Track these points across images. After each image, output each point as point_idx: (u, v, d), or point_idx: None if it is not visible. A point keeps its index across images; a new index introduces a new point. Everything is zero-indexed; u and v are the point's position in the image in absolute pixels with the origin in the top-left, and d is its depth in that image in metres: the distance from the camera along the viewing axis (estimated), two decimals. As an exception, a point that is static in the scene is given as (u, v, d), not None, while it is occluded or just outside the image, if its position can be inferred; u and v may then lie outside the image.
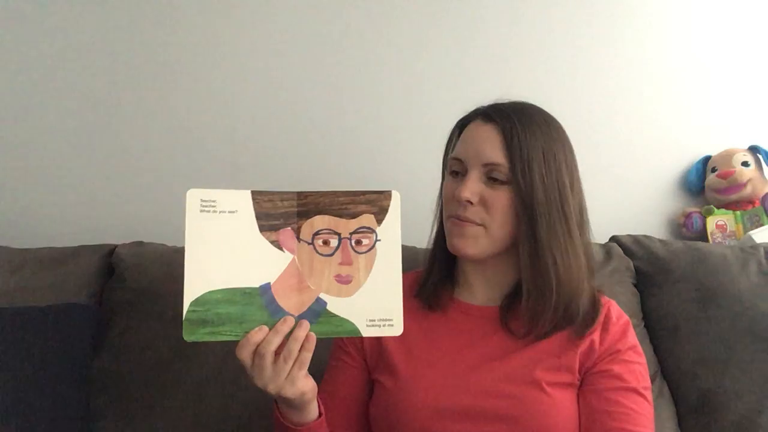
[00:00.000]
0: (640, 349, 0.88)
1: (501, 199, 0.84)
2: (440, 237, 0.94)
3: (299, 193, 0.75)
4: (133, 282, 1.19)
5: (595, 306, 0.88)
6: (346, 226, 0.74)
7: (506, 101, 0.92)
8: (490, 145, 0.86)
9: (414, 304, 0.92)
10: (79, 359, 1.10)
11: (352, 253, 0.74)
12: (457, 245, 0.87)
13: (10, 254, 1.23)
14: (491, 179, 0.85)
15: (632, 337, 0.88)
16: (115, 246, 1.27)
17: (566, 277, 0.84)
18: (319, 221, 0.74)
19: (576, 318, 0.85)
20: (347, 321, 0.73)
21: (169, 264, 1.20)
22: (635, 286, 1.24)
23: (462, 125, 0.94)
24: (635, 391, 0.83)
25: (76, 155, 1.42)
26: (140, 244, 1.27)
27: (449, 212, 0.88)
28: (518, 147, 0.84)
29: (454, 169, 0.90)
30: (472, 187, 0.85)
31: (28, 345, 1.04)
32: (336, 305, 0.73)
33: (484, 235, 0.85)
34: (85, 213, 1.41)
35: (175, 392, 1.09)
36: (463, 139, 0.91)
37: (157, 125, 1.45)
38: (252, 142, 1.46)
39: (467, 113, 0.94)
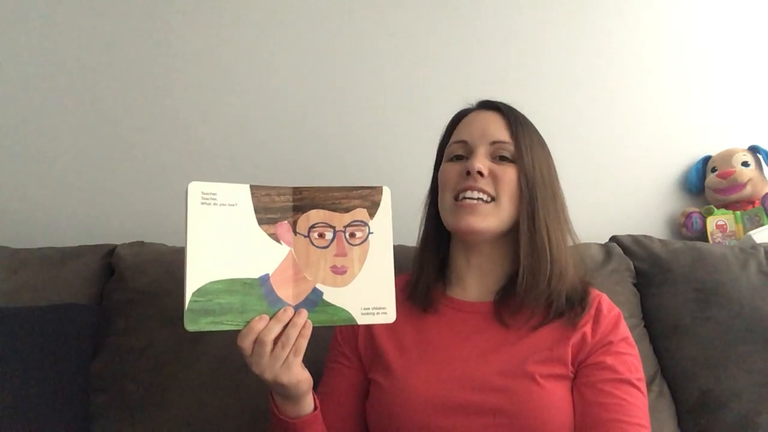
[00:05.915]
0: (632, 340, 0.89)
1: (509, 174, 0.89)
2: (430, 237, 0.97)
3: (295, 189, 0.77)
4: (133, 282, 1.19)
5: (584, 295, 0.90)
6: (340, 219, 0.77)
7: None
8: (495, 126, 0.92)
9: (407, 306, 0.94)
10: (79, 359, 1.10)
11: (347, 245, 0.77)
12: (465, 222, 0.88)
13: (10, 254, 1.23)
14: (497, 158, 0.90)
15: (624, 329, 0.89)
16: (115, 246, 1.26)
17: (557, 255, 0.88)
18: (315, 215, 0.77)
19: (564, 305, 0.87)
20: (343, 310, 0.76)
21: (169, 264, 1.20)
22: (635, 286, 1.24)
23: (458, 118, 0.99)
24: (628, 382, 0.84)
25: (76, 155, 1.42)
26: (140, 244, 1.26)
27: (456, 191, 0.90)
28: (521, 129, 0.92)
29: (457, 153, 0.94)
30: (483, 160, 0.89)
31: (28, 345, 1.04)
32: (332, 295, 0.76)
33: (492, 212, 0.89)
34: (85, 213, 1.41)
35: (175, 392, 1.09)
36: (464, 125, 0.96)
37: (158, 125, 1.45)
38: (252, 143, 1.46)
39: (462, 109, 1.00)
